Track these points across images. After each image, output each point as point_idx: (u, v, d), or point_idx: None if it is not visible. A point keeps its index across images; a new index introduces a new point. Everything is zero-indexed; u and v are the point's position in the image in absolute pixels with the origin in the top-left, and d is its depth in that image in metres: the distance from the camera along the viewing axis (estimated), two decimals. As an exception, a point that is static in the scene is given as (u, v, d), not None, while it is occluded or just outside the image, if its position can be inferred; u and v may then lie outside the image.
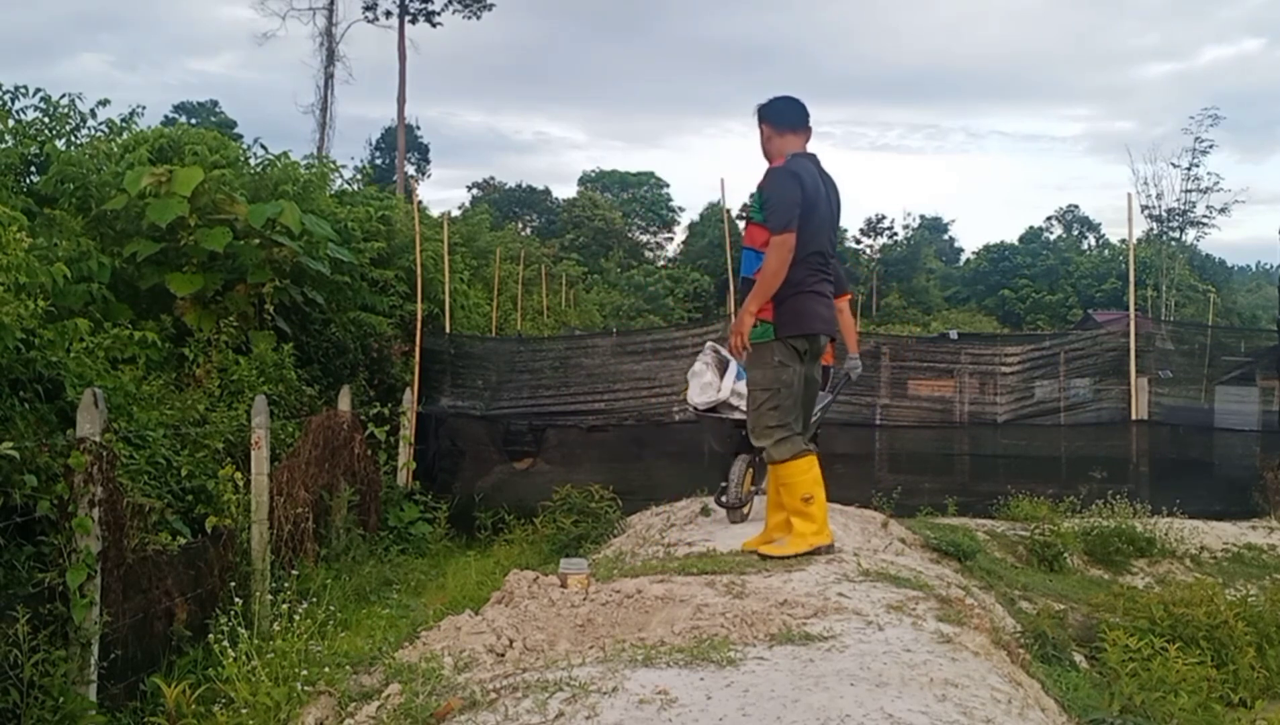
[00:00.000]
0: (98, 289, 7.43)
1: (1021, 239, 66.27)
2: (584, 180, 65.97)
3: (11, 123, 8.66)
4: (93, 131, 9.39)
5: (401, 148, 41.35)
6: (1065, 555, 7.59)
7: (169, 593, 5.19)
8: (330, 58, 35.57)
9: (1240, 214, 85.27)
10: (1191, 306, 41.55)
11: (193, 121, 40.49)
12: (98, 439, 4.69)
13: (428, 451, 10.18)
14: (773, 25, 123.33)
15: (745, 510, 6.00)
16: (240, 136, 18.47)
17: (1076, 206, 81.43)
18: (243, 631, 3.96)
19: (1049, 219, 71.99)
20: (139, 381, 6.86)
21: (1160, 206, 43.33)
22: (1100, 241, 68.23)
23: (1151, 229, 43.60)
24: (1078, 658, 5.13)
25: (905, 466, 10.30)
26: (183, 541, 5.58)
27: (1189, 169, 43.16)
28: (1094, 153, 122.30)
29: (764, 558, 4.72)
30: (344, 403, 8.21)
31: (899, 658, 3.21)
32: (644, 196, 64.48)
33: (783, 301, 4.69)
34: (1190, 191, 43.38)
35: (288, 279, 9.33)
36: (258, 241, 8.93)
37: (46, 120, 8.94)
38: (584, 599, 4.08)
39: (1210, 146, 45.97)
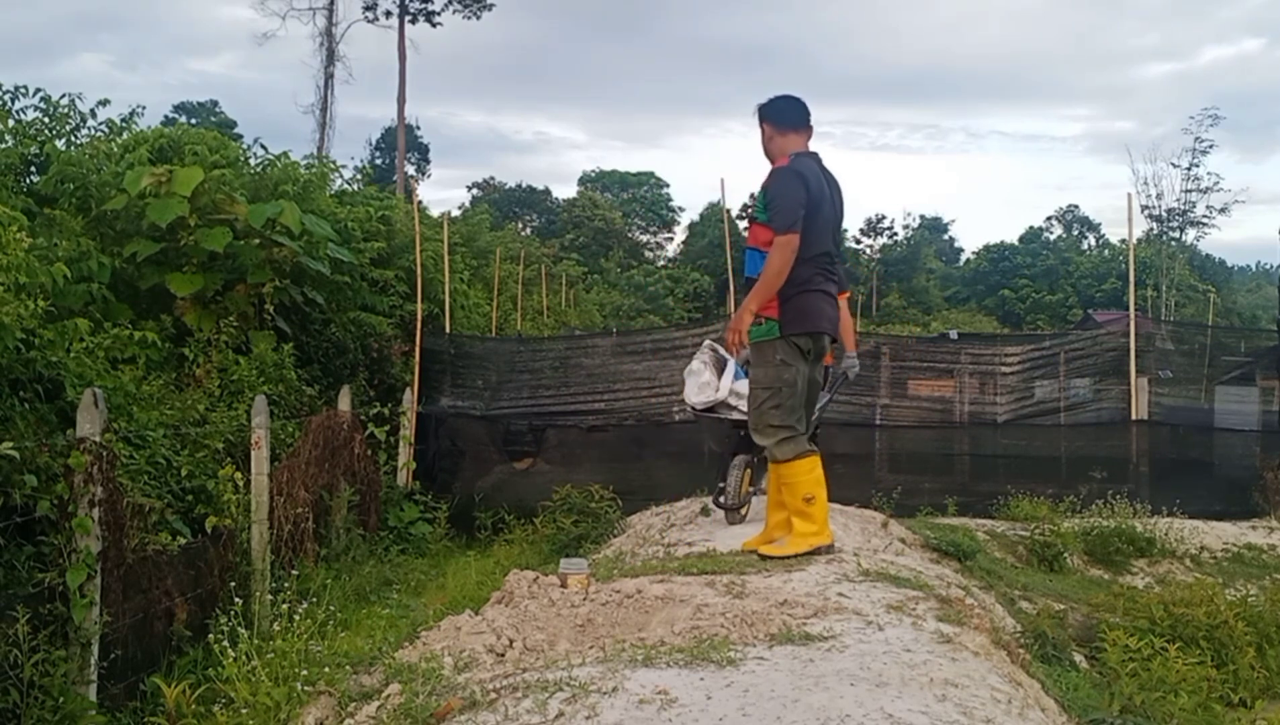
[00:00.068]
0: (98, 289, 7.43)
1: (1021, 239, 66.27)
2: (584, 180, 66.09)
3: (11, 123, 8.66)
4: (93, 131, 9.40)
5: (401, 148, 41.38)
6: (1065, 555, 7.59)
7: (169, 593, 5.19)
8: (330, 58, 35.62)
9: (1240, 214, 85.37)
10: (1191, 306, 41.54)
11: (193, 121, 40.49)
12: (98, 439, 4.69)
13: (428, 451, 10.18)
14: (773, 25, 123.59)
15: (743, 512, 5.94)
16: (240, 136, 18.50)
17: (1076, 206, 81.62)
18: (243, 631, 3.96)
19: (1049, 219, 72.18)
20: (139, 381, 6.86)
21: (1160, 206, 43.39)
22: (1100, 241, 68.35)
23: (1151, 229, 43.64)
24: (1078, 658, 5.13)
25: (905, 466, 10.30)
26: (183, 541, 5.58)
27: (1189, 169, 43.21)
28: (1094, 153, 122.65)
29: (764, 558, 4.72)
30: (344, 403, 8.21)
31: (899, 658, 3.21)
32: (644, 196, 64.52)
33: (788, 299, 4.66)
34: (1190, 191, 43.44)
35: (288, 279, 9.33)
36: (258, 241, 8.94)
37: (46, 120, 8.94)
38: (584, 599, 4.08)
39: (1210, 146, 46.08)
